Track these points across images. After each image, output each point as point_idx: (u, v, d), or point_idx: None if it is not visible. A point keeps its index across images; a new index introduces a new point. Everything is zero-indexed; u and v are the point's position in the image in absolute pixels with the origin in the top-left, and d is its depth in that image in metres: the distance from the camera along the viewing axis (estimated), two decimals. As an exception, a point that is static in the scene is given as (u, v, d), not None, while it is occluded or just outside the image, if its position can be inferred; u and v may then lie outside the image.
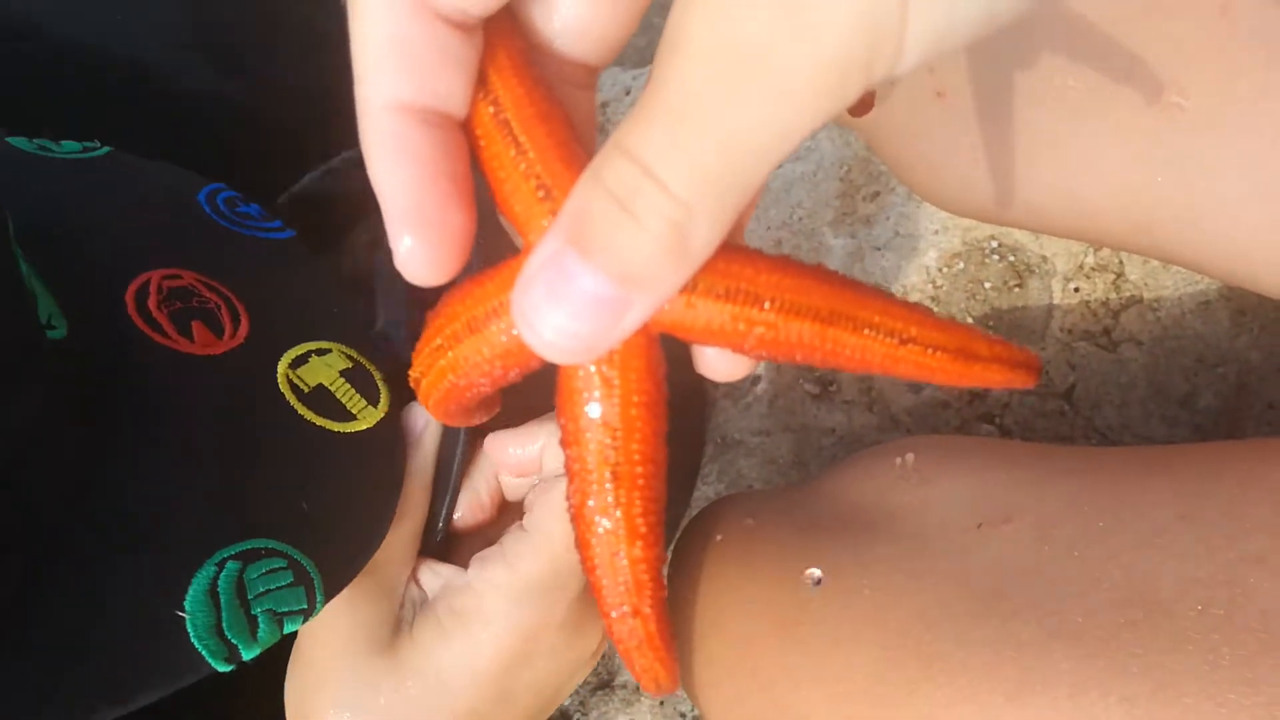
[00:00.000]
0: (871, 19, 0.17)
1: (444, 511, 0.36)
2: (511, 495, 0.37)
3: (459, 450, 0.36)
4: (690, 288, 0.21)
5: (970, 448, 0.47)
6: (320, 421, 0.35)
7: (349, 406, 0.35)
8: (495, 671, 0.34)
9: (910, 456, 0.45)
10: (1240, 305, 0.53)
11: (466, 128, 0.22)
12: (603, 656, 0.68)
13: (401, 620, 0.35)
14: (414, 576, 0.36)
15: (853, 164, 0.61)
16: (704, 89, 0.18)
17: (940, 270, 0.59)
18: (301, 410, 0.35)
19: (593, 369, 0.22)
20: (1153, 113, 0.38)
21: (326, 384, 0.36)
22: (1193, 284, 0.54)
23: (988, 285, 0.58)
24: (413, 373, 0.25)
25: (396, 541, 0.35)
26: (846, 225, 0.60)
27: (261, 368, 0.35)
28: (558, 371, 0.22)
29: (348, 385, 0.36)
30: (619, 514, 0.22)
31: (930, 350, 0.21)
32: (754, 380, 0.63)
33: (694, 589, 0.52)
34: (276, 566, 0.31)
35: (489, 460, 0.36)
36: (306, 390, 0.35)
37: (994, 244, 0.58)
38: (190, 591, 0.30)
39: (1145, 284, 0.55)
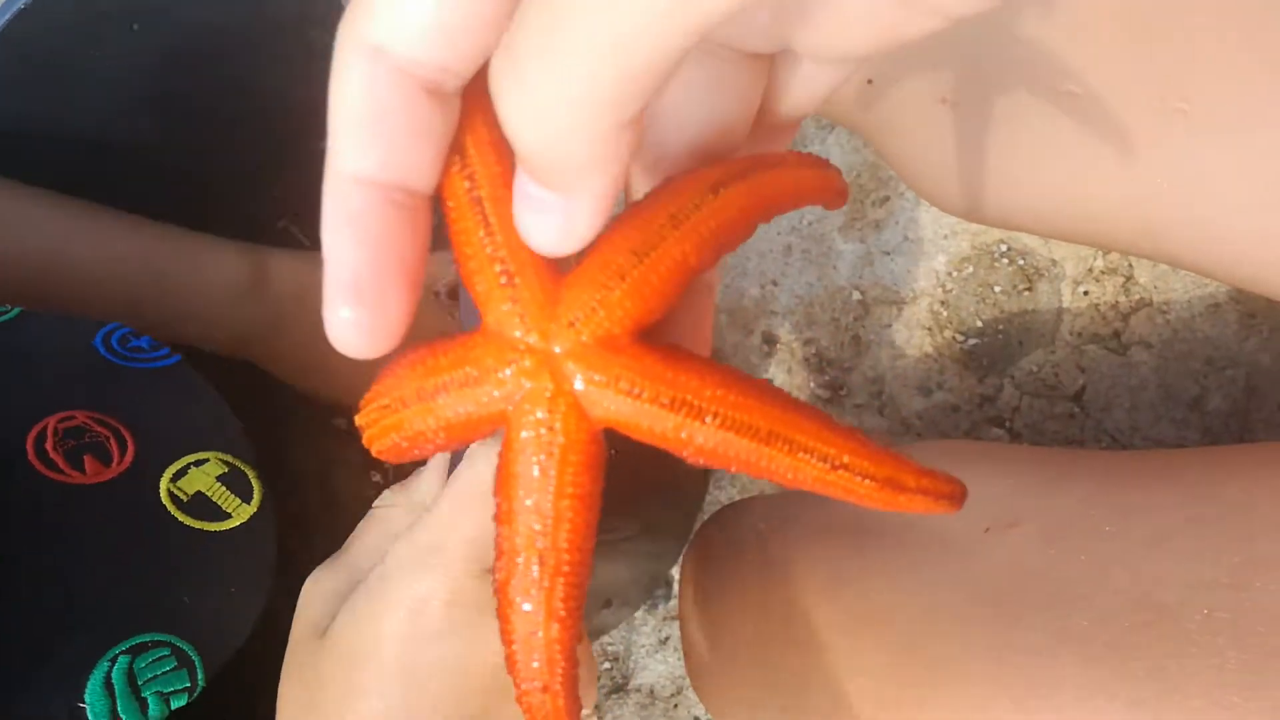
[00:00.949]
0: None
1: None
2: None
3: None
4: (637, 393, 0.22)
5: (978, 453, 0.47)
6: (198, 525, 0.41)
7: (224, 507, 0.42)
8: (389, 641, 0.34)
9: None
10: (1250, 308, 0.53)
11: (439, 196, 0.23)
12: (616, 660, 0.68)
13: None
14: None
15: (862, 169, 0.61)
16: None
17: (950, 274, 0.59)
18: (181, 518, 0.41)
19: (532, 457, 0.23)
20: (1156, 118, 0.38)
21: (204, 490, 0.42)
22: (1202, 287, 0.54)
23: (997, 289, 0.58)
24: (359, 419, 0.25)
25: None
26: (856, 230, 0.61)
27: (147, 486, 0.41)
28: (501, 450, 0.23)
29: (223, 488, 0.42)
30: (540, 596, 0.23)
31: (860, 478, 0.22)
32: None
33: (706, 592, 0.52)
34: (161, 655, 0.38)
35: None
36: (185, 499, 0.42)
37: (1003, 248, 0.58)
38: (89, 685, 0.37)
39: (1154, 287, 0.55)
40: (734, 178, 0.23)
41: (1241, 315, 0.53)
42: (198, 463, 0.42)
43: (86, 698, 0.37)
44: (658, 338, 0.23)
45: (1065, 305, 0.57)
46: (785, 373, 0.62)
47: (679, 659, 0.66)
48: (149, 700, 0.37)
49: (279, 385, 0.58)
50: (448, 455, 0.37)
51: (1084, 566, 0.39)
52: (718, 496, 0.64)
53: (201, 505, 0.41)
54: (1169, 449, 0.54)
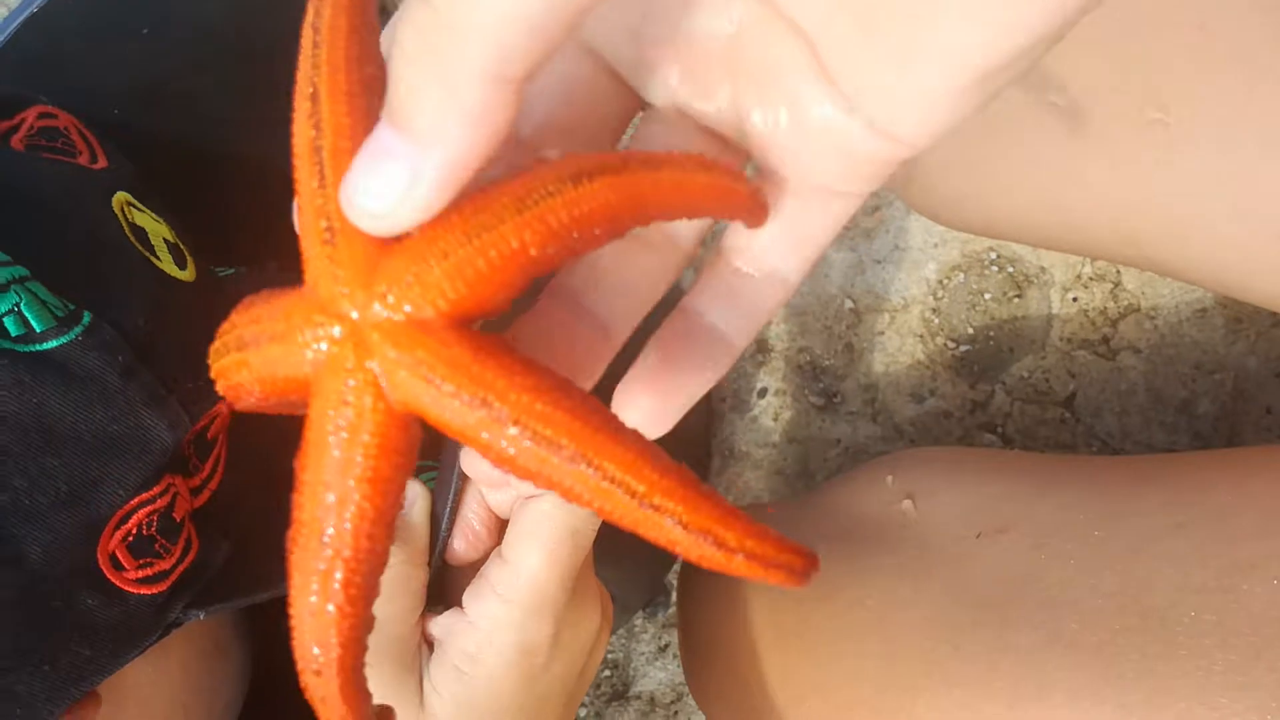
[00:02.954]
0: None
1: (438, 548, 0.37)
2: (503, 512, 0.37)
3: (451, 494, 0.36)
4: (436, 383, 0.20)
5: (969, 459, 0.47)
6: None
7: None
8: (522, 689, 0.35)
9: (890, 478, 0.46)
10: (1236, 313, 0.54)
11: (291, 134, 0.22)
12: (616, 667, 0.69)
13: (422, 681, 0.36)
14: (422, 637, 0.37)
15: (852, 179, 0.62)
16: None
17: (940, 282, 0.60)
18: None
19: (327, 429, 0.21)
20: (1135, 129, 0.39)
21: None
22: (1189, 292, 0.55)
23: (987, 296, 0.59)
24: (209, 356, 0.24)
25: (401, 617, 0.36)
26: (847, 239, 0.61)
27: None
28: (304, 419, 0.22)
29: None
30: (320, 576, 0.21)
31: (673, 523, 0.20)
32: (760, 393, 0.63)
33: (702, 601, 0.53)
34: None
35: (475, 486, 0.37)
36: None
37: (993, 255, 0.59)
38: None
39: (1142, 293, 0.56)
40: (603, 170, 0.21)
41: (1228, 320, 0.54)
42: None
43: None
44: (534, 346, 0.22)
45: (1055, 311, 0.57)
46: (779, 381, 0.63)
47: (678, 666, 0.67)
48: None
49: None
50: (419, 488, 0.37)
51: (1073, 571, 0.39)
52: (714, 505, 0.65)
53: None
54: (1156, 454, 0.55)
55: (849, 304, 0.61)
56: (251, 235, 0.59)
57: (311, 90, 0.21)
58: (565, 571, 0.34)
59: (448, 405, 0.20)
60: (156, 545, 0.34)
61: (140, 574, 0.33)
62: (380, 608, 0.36)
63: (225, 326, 0.23)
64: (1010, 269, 0.58)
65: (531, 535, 0.34)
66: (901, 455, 0.49)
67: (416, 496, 0.38)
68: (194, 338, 0.34)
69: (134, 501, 0.33)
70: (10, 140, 0.38)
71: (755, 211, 0.24)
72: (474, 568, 0.36)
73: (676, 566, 0.64)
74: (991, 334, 0.58)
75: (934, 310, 0.60)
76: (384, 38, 0.22)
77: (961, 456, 0.48)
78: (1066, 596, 0.38)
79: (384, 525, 0.21)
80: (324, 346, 0.21)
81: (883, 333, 0.61)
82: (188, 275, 0.37)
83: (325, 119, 0.21)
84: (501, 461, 0.20)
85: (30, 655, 0.31)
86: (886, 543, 0.45)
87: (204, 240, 0.41)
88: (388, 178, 0.19)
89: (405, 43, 0.19)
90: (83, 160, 0.38)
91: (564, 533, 0.34)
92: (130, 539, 0.33)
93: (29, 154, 0.37)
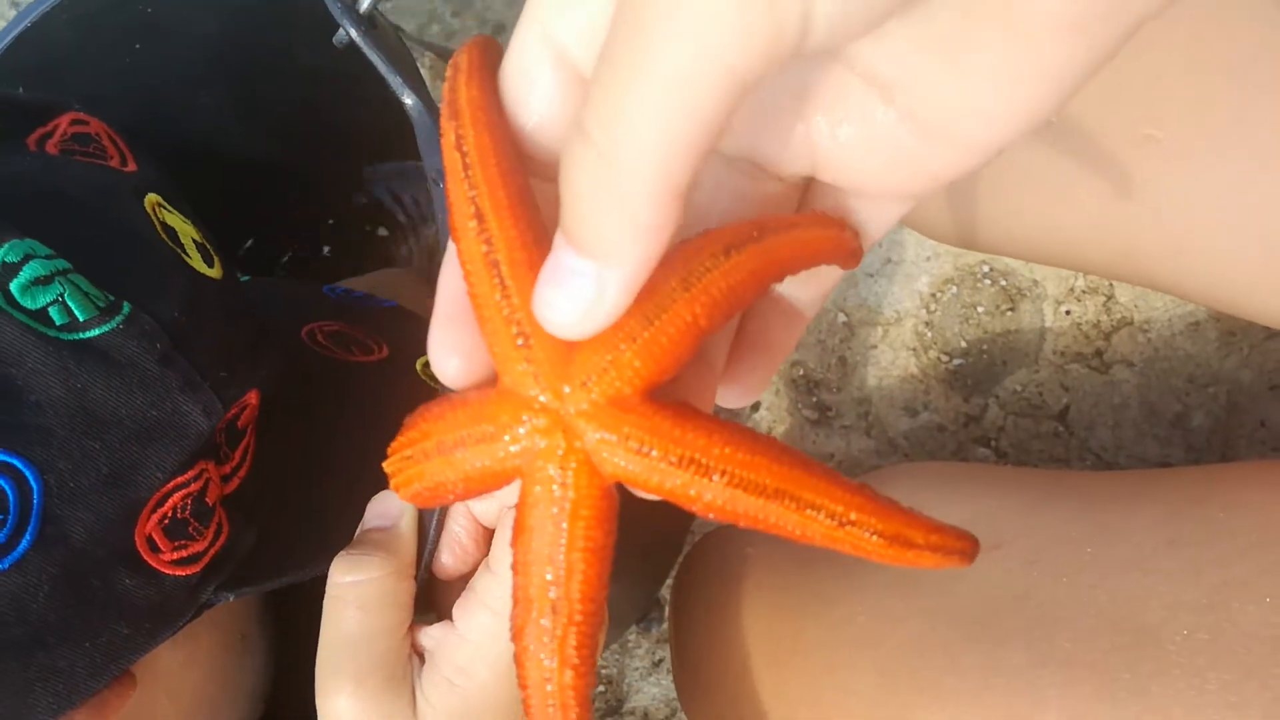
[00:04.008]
0: None
1: (425, 561, 0.37)
2: (489, 522, 0.37)
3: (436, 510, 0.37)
4: (646, 451, 0.23)
5: (961, 474, 0.47)
6: None
7: None
8: (514, 700, 0.35)
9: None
10: (1229, 326, 0.54)
11: (458, 254, 0.24)
12: (610, 682, 0.68)
13: (415, 694, 0.36)
14: (413, 649, 0.37)
15: (845, 192, 0.62)
16: (620, 48, 0.19)
17: (933, 295, 0.59)
18: (439, 388, 0.48)
19: (545, 511, 0.23)
20: (1128, 144, 0.39)
21: None
22: (1182, 305, 0.55)
23: (980, 309, 0.58)
24: (386, 466, 0.26)
25: (389, 630, 0.36)
26: (840, 252, 0.61)
27: (405, 368, 0.48)
28: (517, 504, 0.24)
29: None
30: (553, 645, 0.23)
31: (868, 534, 0.22)
32: (753, 406, 0.63)
33: (694, 617, 0.52)
34: None
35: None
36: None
37: (986, 268, 0.59)
38: None
39: (1135, 306, 0.56)
40: (746, 240, 0.23)
41: (1222, 333, 0.54)
42: None
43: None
44: (666, 396, 0.24)
45: (1048, 325, 0.57)
46: (773, 394, 0.63)
47: (672, 682, 0.66)
48: None
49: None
50: (416, 510, 0.37)
51: (1066, 588, 0.39)
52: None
53: None
54: (1149, 469, 0.55)
55: (842, 317, 0.61)
56: (257, 242, 0.60)
57: (474, 210, 0.23)
58: None
59: (658, 470, 0.23)
60: (190, 528, 0.35)
61: (175, 555, 0.35)
62: (367, 621, 0.36)
63: (415, 435, 0.25)
64: (1003, 282, 0.58)
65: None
66: (894, 470, 0.49)
67: (404, 509, 0.37)
68: (223, 330, 0.37)
69: (170, 485, 0.34)
70: (46, 145, 0.40)
71: (854, 256, 0.27)
72: (465, 579, 0.36)
73: (669, 582, 0.64)
74: (985, 347, 0.58)
75: (927, 324, 0.59)
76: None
77: (954, 471, 0.48)
78: (1059, 614, 0.38)
79: (603, 588, 0.24)
80: (536, 439, 0.23)
81: (876, 346, 0.61)
82: (215, 273, 0.39)
83: (495, 235, 0.23)
84: (708, 509, 0.23)
85: (72, 632, 0.32)
86: (879, 559, 0.45)
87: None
88: (575, 294, 0.21)
89: (575, 179, 0.20)
90: (114, 164, 0.40)
91: None
92: (166, 521, 0.34)
93: (63, 158, 0.39)
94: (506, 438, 0.24)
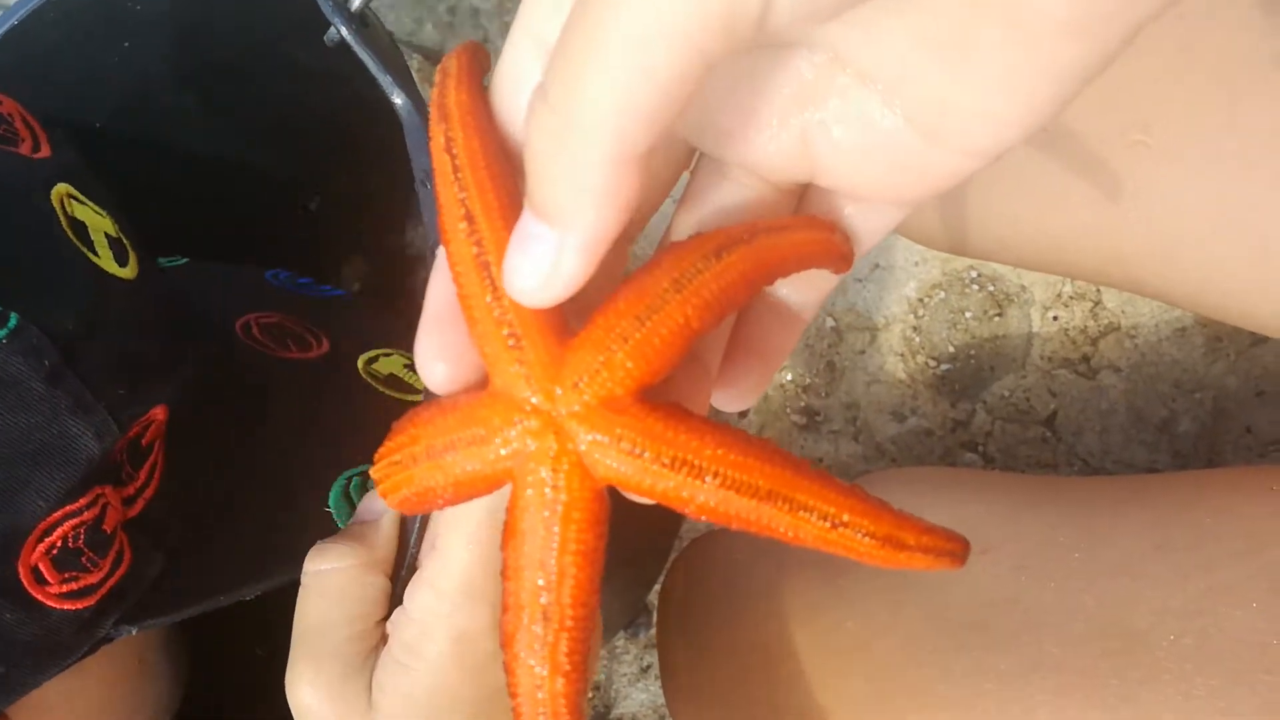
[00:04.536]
0: None
1: (407, 561, 0.37)
2: None
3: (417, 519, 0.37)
4: (638, 453, 0.22)
5: (948, 479, 0.47)
6: (398, 395, 0.46)
7: (416, 386, 0.46)
8: (467, 680, 0.35)
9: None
10: (1216, 332, 0.54)
11: (448, 256, 0.24)
12: (598, 688, 0.68)
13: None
14: (381, 640, 0.37)
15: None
16: (579, 35, 0.19)
17: (921, 300, 0.60)
18: (381, 389, 0.46)
19: (536, 515, 0.23)
20: (1118, 149, 0.39)
21: (396, 372, 0.47)
22: (1169, 311, 0.55)
23: (968, 315, 0.59)
24: (373, 473, 0.26)
25: (348, 619, 0.36)
26: (828, 258, 0.61)
27: (346, 365, 0.46)
28: (507, 508, 0.24)
29: (414, 374, 0.45)
30: (544, 651, 0.23)
31: (860, 536, 0.22)
32: (742, 411, 0.63)
33: (681, 625, 0.52)
34: None
35: None
36: (382, 377, 0.46)
37: (973, 274, 0.59)
38: (331, 497, 0.41)
39: (1122, 311, 0.56)
40: (736, 242, 0.24)
41: (1208, 339, 0.54)
42: (385, 354, 0.47)
43: (330, 505, 0.40)
44: (659, 397, 0.24)
45: (1035, 330, 0.57)
46: (762, 399, 0.63)
47: (660, 687, 0.66)
48: None
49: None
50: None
51: (1054, 593, 0.39)
52: (696, 526, 0.65)
53: (396, 383, 0.46)
54: (1136, 474, 0.55)
55: (830, 322, 0.61)
56: (212, 230, 0.58)
57: (464, 212, 0.23)
58: (489, 552, 0.34)
59: (650, 472, 0.23)
60: (83, 559, 0.33)
61: (64, 588, 0.32)
62: (328, 610, 0.36)
63: (402, 440, 0.25)
64: (991, 287, 0.58)
65: (453, 521, 0.34)
66: (882, 475, 0.49)
67: (385, 509, 0.37)
68: (130, 339, 0.34)
69: (58, 514, 0.32)
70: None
71: (845, 260, 0.27)
72: None
73: (657, 587, 0.64)
74: (972, 352, 0.58)
75: (915, 329, 0.60)
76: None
77: (941, 476, 0.48)
78: (1048, 619, 0.38)
79: (595, 593, 0.24)
80: (528, 441, 0.23)
81: (864, 351, 0.61)
82: (128, 272, 0.37)
83: (486, 236, 0.23)
84: (700, 511, 0.23)
85: None
86: (869, 565, 0.45)
87: (153, 232, 0.40)
88: (536, 258, 0.21)
89: (535, 142, 0.21)
90: (24, 149, 0.37)
91: (482, 514, 0.34)
92: (54, 552, 0.32)
93: None
94: (497, 440, 0.23)
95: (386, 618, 0.36)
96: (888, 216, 0.27)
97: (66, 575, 0.32)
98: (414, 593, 0.35)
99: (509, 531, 0.24)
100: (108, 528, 0.33)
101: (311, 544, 0.36)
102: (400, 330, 0.49)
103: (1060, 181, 0.41)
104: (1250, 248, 0.37)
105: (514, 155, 0.25)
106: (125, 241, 0.38)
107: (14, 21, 0.48)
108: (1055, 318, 0.57)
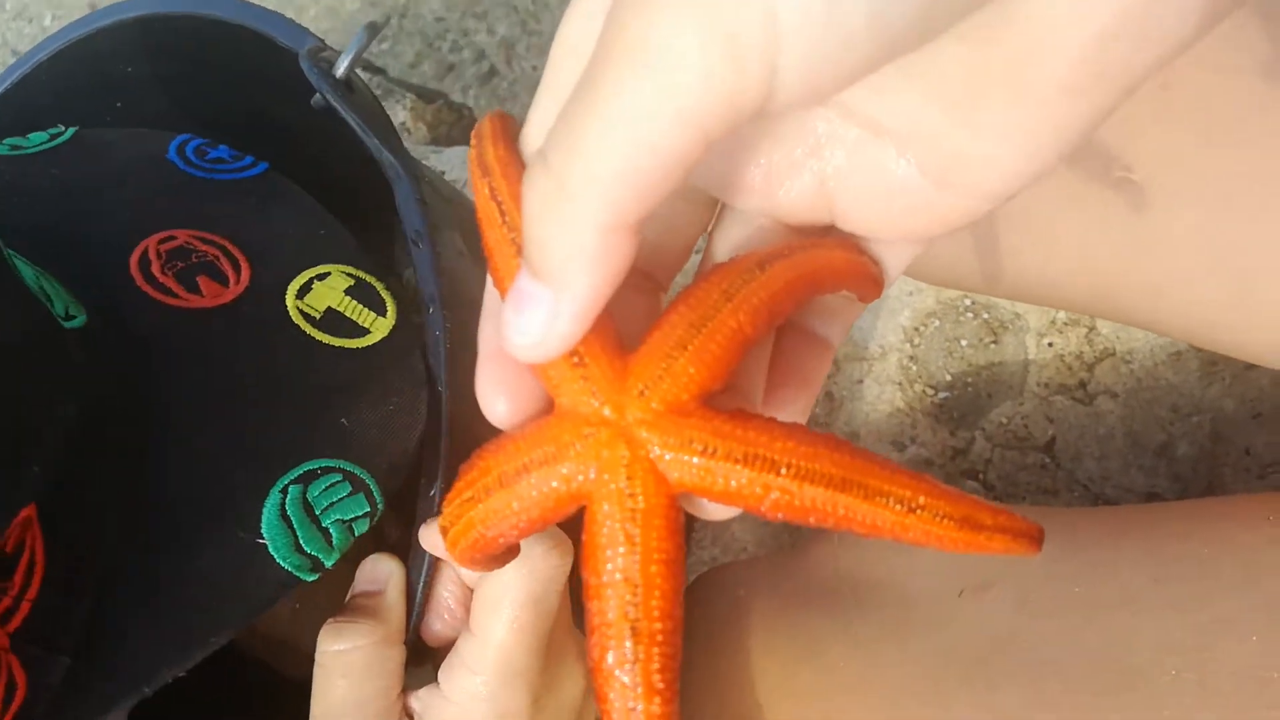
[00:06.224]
0: (731, 48, 0.18)
1: (413, 623, 0.37)
2: (475, 584, 0.37)
3: (424, 568, 0.37)
4: (710, 452, 0.23)
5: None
6: (338, 342, 0.38)
7: (360, 322, 0.38)
8: None
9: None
10: (1211, 356, 0.54)
11: (503, 296, 0.24)
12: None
13: None
14: (404, 711, 0.37)
15: (826, 229, 0.62)
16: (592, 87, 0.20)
17: (917, 329, 0.60)
18: (319, 336, 0.38)
19: (617, 525, 0.23)
20: (1104, 185, 0.39)
21: (335, 305, 0.38)
22: (1163, 336, 0.55)
23: (964, 343, 0.59)
24: (441, 521, 0.26)
25: (379, 695, 0.36)
26: (823, 289, 0.61)
27: (274, 304, 0.38)
28: (584, 529, 0.24)
29: (354, 302, 0.39)
30: (637, 669, 0.23)
31: (938, 518, 0.22)
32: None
33: (687, 658, 0.52)
34: (334, 481, 0.35)
35: (446, 565, 0.37)
36: (318, 316, 0.38)
37: (967, 301, 0.59)
38: (264, 519, 0.34)
39: (1117, 337, 0.56)
40: (776, 256, 0.25)
41: (1203, 363, 0.54)
42: (320, 276, 0.39)
43: (264, 533, 0.33)
44: (721, 405, 0.24)
45: (1031, 357, 0.58)
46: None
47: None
48: (331, 530, 0.34)
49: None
50: (393, 564, 0.37)
51: (1055, 630, 0.39)
52: (700, 556, 0.65)
53: (336, 322, 0.38)
54: (1134, 503, 0.55)
55: (827, 353, 0.61)
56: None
57: (516, 249, 0.24)
58: (532, 639, 0.35)
59: (723, 470, 0.23)
60: None
61: None
62: (354, 689, 0.36)
63: (473, 475, 0.25)
64: (985, 315, 0.59)
65: (494, 607, 0.34)
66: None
67: (391, 573, 0.38)
68: None
69: None
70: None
71: (875, 285, 0.28)
72: (448, 649, 0.37)
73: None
74: (969, 380, 0.59)
75: (911, 358, 0.60)
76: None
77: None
78: (1049, 655, 0.38)
79: (680, 605, 0.23)
80: (601, 451, 0.23)
81: (861, 381, 0.61)
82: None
83: None
84: (775, 507, 0.23)
85: None
86: (870, 600, 0.45)
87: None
88: (532, 317, 0.22)
89: (530, 204, 0.21)
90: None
91: (526, 600, 0.34)
92: None
93: None
94: (570, 456, 0.24)
95: (404, 688, 0.37)
96: (905, 253, 0.28)
97: None
98: (451, 675, 0.35)
99: (588, 551, 0.24)
100: None
101: (256, 577, 0.33)
102: (340, 238, 0.40)
103: (1050, 217, 0.41)
104: (1237, 281, 0.38)
105: None
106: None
107: (9, 83, 0.49)
108: (1050, 344, 0.57)
